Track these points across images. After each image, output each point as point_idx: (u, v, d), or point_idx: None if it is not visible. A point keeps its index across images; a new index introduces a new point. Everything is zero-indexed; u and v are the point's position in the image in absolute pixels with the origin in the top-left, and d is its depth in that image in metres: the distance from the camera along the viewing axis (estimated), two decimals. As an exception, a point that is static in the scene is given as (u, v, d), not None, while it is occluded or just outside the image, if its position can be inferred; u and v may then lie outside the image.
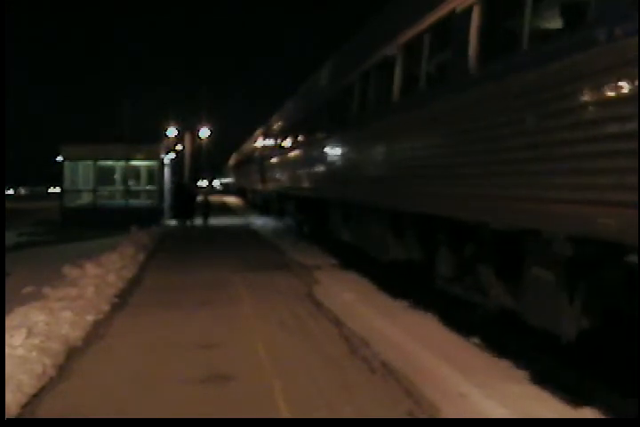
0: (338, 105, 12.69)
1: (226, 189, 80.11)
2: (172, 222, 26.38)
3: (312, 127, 15.61)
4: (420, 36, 7.79)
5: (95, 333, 7.30)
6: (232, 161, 61.55)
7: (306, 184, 16.29)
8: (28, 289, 9.58)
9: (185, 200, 25.95)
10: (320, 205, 15.13)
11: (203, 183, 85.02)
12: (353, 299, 9.30)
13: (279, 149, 22.33)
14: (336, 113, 12.85)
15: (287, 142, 20.37)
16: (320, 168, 14.13)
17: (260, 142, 29.86)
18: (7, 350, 5.87)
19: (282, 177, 21.48)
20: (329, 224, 14.51)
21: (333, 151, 12.89)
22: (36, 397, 5.13)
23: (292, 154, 18.88)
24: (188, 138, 31.44)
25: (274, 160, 23.74)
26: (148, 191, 28.63)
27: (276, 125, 24.19)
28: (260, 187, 29.93)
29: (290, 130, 19.90)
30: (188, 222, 25.20)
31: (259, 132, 31.71)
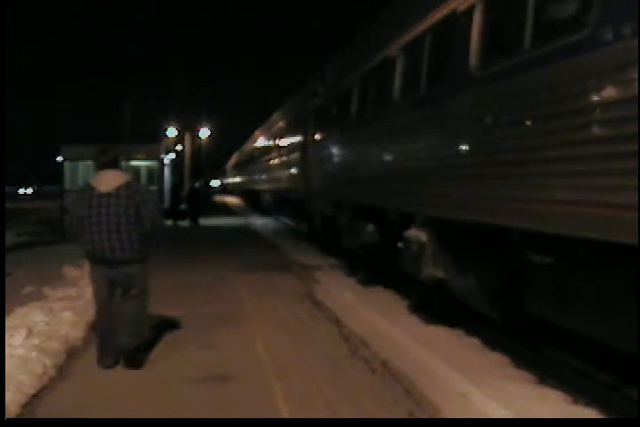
0: None
1: (222, 190, 78.84)
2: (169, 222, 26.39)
3: None
4: None
5: (95, 333, 7.28)
6: (234, 160, 59.31)
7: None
8: (28, 289, 9.58)
9: (197, 203, 26.41)
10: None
11: (215, 183, 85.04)
12: (353, 299, 9.31)
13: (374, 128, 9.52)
14: None
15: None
16: None
17: (302, 127, 16.67)
18: (7, 350, 5.88)
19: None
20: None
21: None
22: (36, 397, 5.13)
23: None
24: (187, 138, 31.41)
25: (356, 151, 10.85)
26: None
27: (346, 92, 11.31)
28: (289, 187, 19.81)
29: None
30: (194, 222, 25.49)
31: (283, 112, 21.79)
